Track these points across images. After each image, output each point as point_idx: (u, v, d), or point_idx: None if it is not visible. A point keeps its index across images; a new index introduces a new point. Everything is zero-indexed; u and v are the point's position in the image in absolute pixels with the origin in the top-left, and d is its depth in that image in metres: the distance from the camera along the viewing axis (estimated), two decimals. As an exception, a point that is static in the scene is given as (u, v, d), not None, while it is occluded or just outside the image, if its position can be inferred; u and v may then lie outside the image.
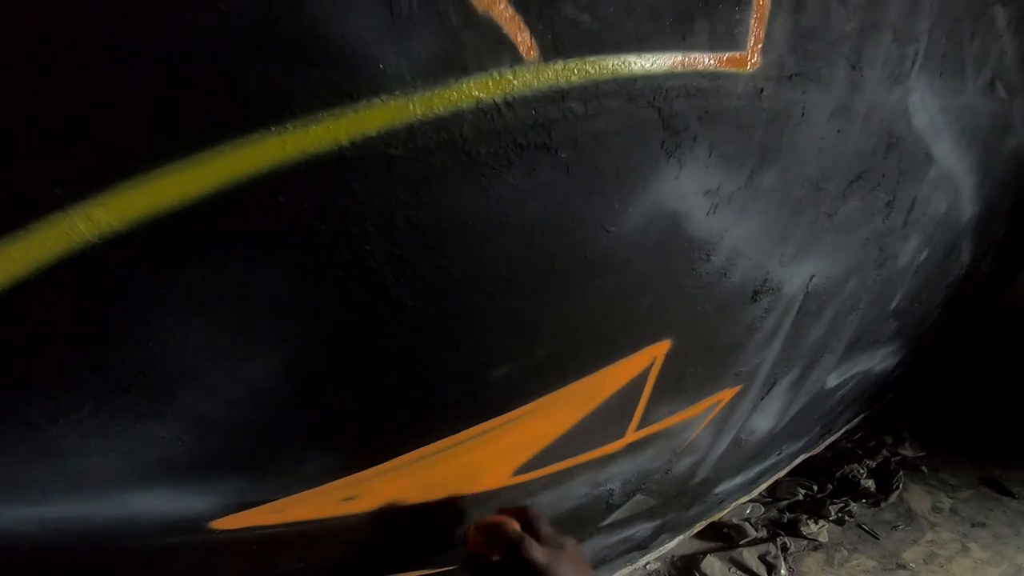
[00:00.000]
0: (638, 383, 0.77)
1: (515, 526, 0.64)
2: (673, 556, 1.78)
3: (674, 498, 1.35)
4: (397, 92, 0.37)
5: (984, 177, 1.32)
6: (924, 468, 1.96)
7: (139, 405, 0.46)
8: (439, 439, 0.63)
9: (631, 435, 0.89)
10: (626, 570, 1.66)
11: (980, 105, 1.14)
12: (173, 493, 0.54)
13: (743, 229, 0.73)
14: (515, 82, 0.42)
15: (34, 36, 0.30)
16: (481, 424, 0.64)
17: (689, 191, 0.62)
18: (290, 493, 0.60)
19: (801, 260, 0.89)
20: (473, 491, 0.77)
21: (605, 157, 0.52)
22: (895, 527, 1.75)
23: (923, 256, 1.29)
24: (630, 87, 0.50)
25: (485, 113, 0.42)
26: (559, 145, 0.47)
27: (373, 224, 0.41)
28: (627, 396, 0.78)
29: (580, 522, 1.09)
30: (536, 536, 0.62)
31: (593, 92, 0.48)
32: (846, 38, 0.72)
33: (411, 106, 0.38)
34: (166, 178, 0.34)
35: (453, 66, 0.39)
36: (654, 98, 0.52)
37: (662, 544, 1.69)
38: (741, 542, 1.76)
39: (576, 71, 0.46)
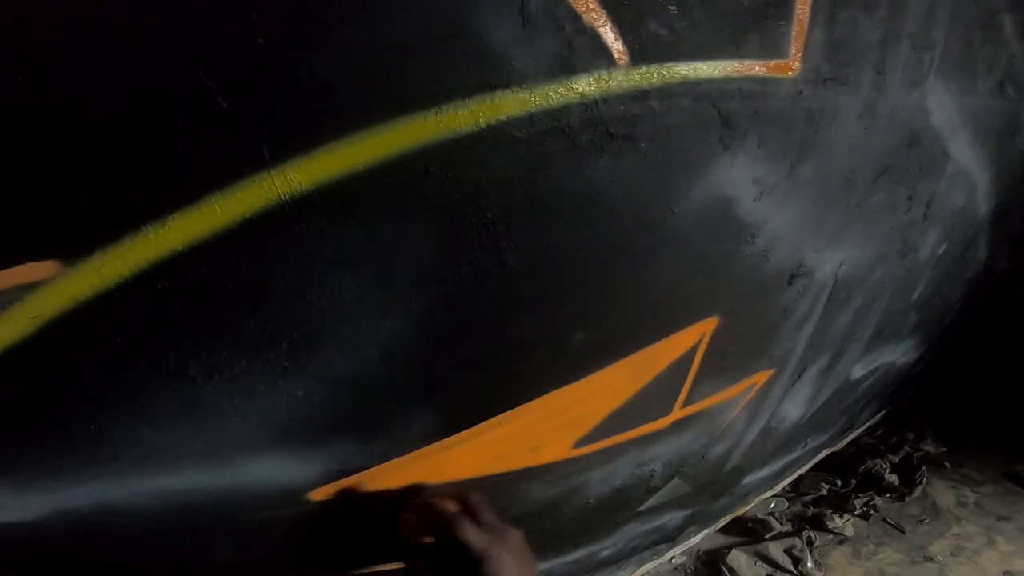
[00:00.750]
0: (688, 357, 0.85)
1: (451, 507, 0.60)
2: (698, 550, 1.81)
3: (706, 485, 1.41)
4: (524, 85, 0.46)
5: (998, 174, 1.39)
6: (947, 463, 2.00)
7: (286, 360, 0.53)
8: (523, 403, 0.70)
9: (677, 412, 0.96)
10: (652, 564, 1.69)
11: (992, 106, 1.22)
12: (287, 459, 0.60)
13: (783, 216, 0.81)
14: (610, 82, 0.51)
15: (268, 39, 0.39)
16: (558, 389, 0.72)
17: (740, 179, 0.70)
18: (386, 459, 0.67)
19: (832, 248, 0.97)
20: (535, 464, 0.85)
21: (675, 147, 0.60)
22: (920, 521, 1.78)
23: (942, 249, 1.36)
24: (696, 89, 0.59)
25: (587, 107, 0.50)
26: (641, 136, 0.56)
27: (497, 194, 0.50)
28: (678, 370, 0.85)
29: (622, 504, 1.16)
30: (476, 522, 0.58)
31: (668, 92, 0.56)
32: (872, 47, 0.81)
33: (533, 98, 0.47)
34: (350, 147, 0.43)
35: (565, 67, 0.48)
36: (715, 98, 0.61)
37: (688, 537, 1.73)
38: (766, 536, 1.79)
39: (656, 75, 0.55)
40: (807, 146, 0.78)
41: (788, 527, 1.82)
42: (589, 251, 0.59)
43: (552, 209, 0.54)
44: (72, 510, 0.52)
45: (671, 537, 1.61)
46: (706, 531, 1.79)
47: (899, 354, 1.68)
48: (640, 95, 0.54)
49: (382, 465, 0.67)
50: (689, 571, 1.72)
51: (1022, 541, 1.69)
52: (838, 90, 0.78)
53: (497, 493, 0.83)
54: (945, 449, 2.06)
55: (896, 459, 1.99)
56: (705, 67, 0.59)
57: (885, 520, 1.80)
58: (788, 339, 1.06)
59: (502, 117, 0.47)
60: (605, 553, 1.32)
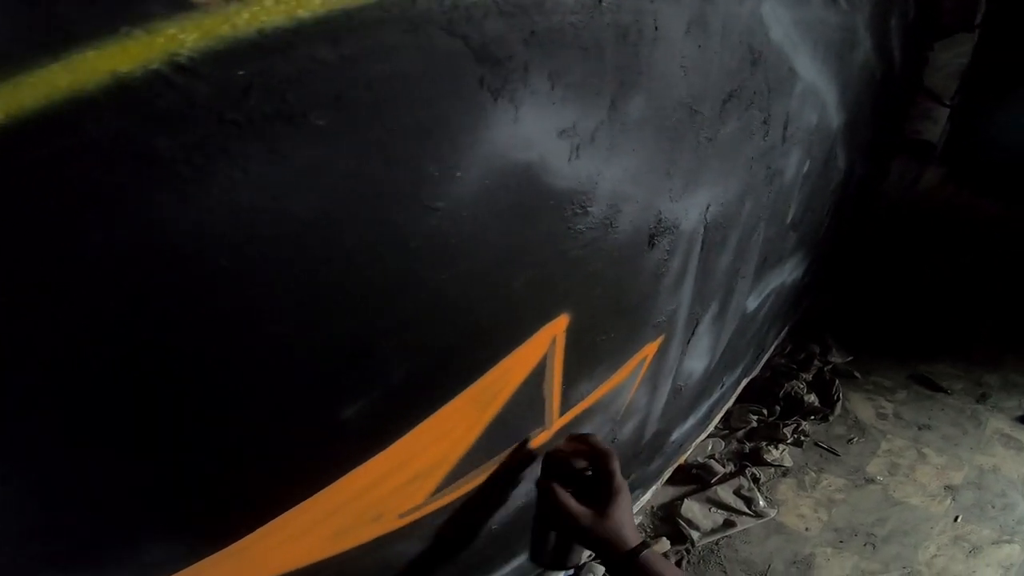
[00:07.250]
0: (540, 370, 0.64)
1: (605, 444, 0.67)
2: (652, 507, 1.68)
3: (632, 458, 1.25)
4: None
5: (844, 88, 1.29)
6: (856, 373, 1.93)
7: None
8: (308, 496, 0.47)
9: (557, 422, 0.76)
10: (611, 529, 1.57)
11: (827, 17, 1.08)
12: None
13: (619, 169, 0.61)
14: (185, 36, 0.26)
15: None
16: (357, 468, 0.49)
17: (538, 135, 0.48)
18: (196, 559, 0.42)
19: (692, 192, 0.79)
20: (388, 530, 0.62)
21: (397, 113, 0.37)
22: (850, 440, 1.69)
23: (806, 167, 1.24)
24: (407, 9, 0.35)
25: (137, 91, 0.25)
26: (309, 109, 0.32)
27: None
28: (532, 387, 0.65)
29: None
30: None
31: (344, 25, 0.32)
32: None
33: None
34: None
35: (39, 32, 0.23)
36: (450, 21, 0.38)
37: (637, 499, 1.61)
38: (712, 481, 1.67)
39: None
40: (629, 74, 0.57)
41: (731, 467, 1.71)
42: (287, 311, 0.35)
43: (169, 271, 0.29)
44: None
45: (616, 506, 1.48)
46: (653, 488, 1.67)
47: (786, 274, 1.59)
48: (276, 42, 0.30)
49: (194, 566, 0.43)
50: (648, 528, 1.60)
51: (951, 451, 1.62)
52: (653, -5, 0.56)
53: (361, 560, 0.60)
54: (851, 358, 2.00)
55: (810, 377, 1.93)
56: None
57: (817, 444, 1.71)
58: (669, 302, 0.89)
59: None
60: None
